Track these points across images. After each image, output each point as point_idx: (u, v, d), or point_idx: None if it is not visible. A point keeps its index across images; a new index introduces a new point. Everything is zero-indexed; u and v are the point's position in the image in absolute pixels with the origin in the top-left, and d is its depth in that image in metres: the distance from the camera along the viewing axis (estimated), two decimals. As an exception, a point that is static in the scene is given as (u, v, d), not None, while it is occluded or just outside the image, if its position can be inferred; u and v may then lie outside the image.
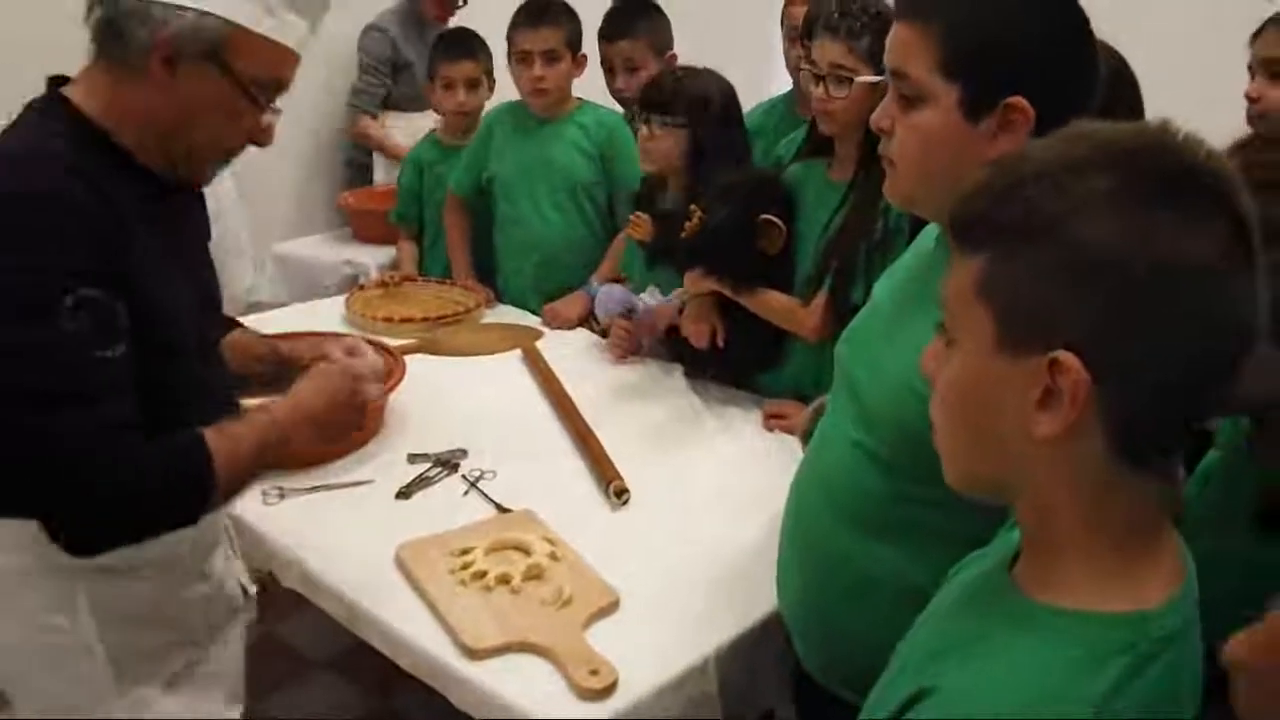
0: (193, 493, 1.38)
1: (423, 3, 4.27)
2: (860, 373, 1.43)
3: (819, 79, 2.14)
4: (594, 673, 1.52)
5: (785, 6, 3.10)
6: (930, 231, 1.48)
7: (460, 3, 4.28)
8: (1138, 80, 1.74)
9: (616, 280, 2.87)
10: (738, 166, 2.53)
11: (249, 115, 1.46)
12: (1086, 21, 1.28)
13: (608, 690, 1.51)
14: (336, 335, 2.03)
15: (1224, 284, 0.79)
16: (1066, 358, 0.78)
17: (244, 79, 1.42)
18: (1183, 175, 0.80)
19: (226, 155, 1.52)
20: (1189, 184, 0.79)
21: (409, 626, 1.65)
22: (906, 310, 1.40)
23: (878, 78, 2.09)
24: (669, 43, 3.07)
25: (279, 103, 1.50)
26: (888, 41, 1.32)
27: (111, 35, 1.39)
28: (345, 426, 1.63)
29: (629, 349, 2.68)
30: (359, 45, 4.24)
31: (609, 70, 3.07)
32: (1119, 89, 1.64)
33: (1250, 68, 1.94)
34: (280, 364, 1.80)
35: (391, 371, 2.30)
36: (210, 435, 1.39)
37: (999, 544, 1.03)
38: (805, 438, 1.76)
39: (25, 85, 1.48)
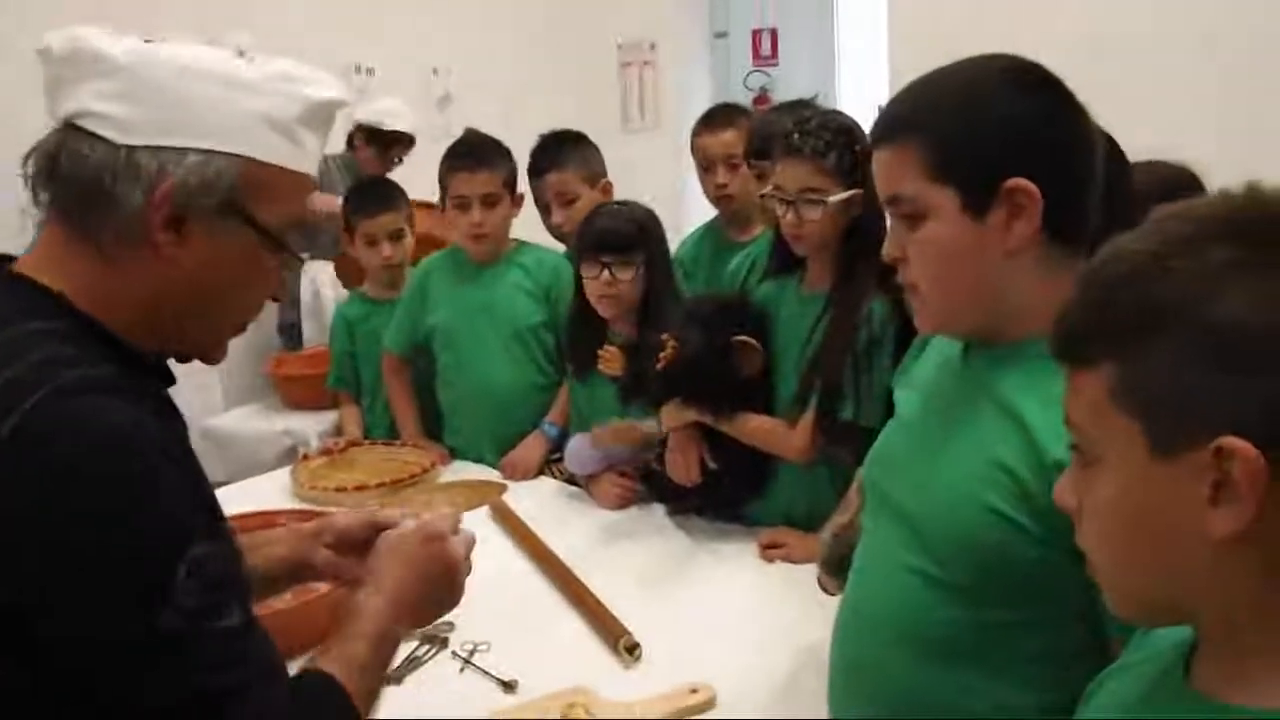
0: None
1: (360, 155, 4.20)
2: (905, 496, 1.33)
3: (788, 203, 2.08)
4: None
5: (693, 139, 3.09)
6: (948, 343, 1.40)
7: (397, 161, 4.21)
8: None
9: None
10: (676, 294, 2.51)
11: (276, 270, 1.18)
12: (1063, 88, 1.25)
13: None
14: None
15: None
16: (1233, 442, 0.72)
17: (271, 226, 1.13)
18: None
19: (247, 324, 1.23)
20: None
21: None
22: (943, 426, 1.32)
23: (850, 192, 2.04)
24: (601, 171, 3.00)
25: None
26: (874, 174, 1.30)
27: (90, 200, 1.07)
28: (443, 597, 1.33)
29: (629, 501, 2.54)
30: None
31: (543, 207, 2.99)
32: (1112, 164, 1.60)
33: None
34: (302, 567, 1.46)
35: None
36: (338, 670, 1.14)
37: (1144, 653, 0.94)
38: (831, 565, 1.64)
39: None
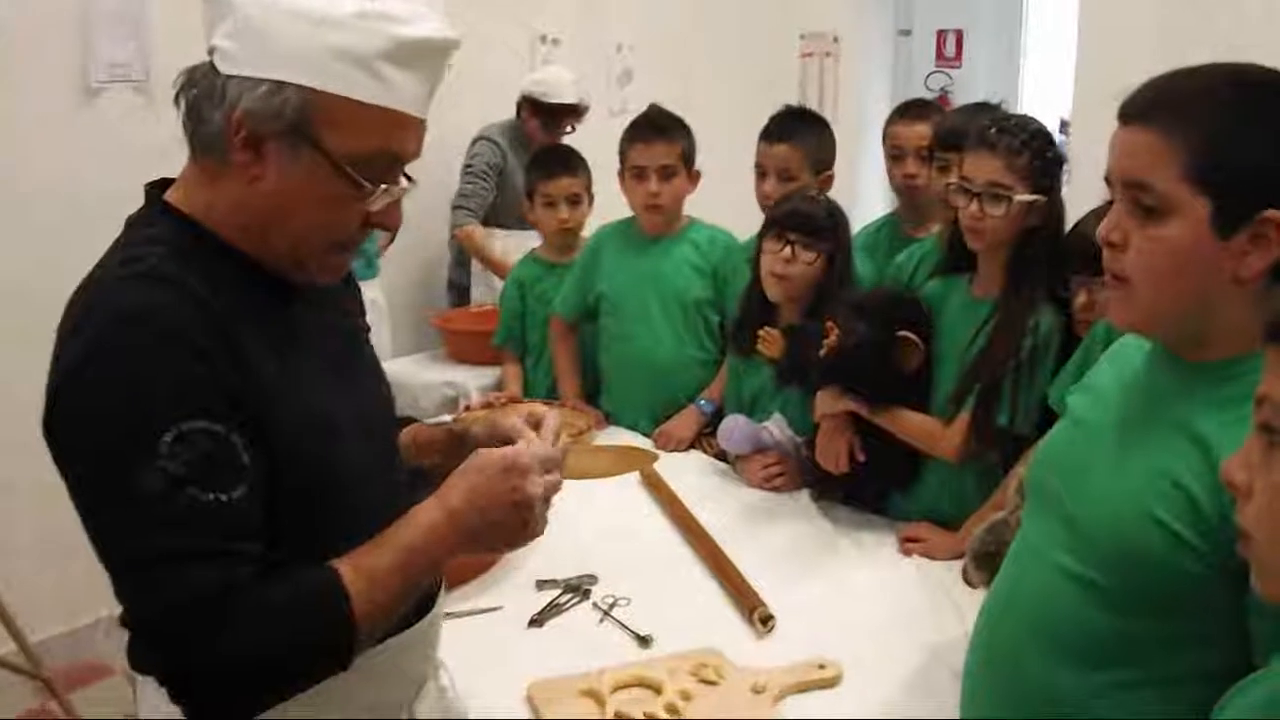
0: (331, 647, 1.20)
1: (528, 126, 4.32)
2: (1071, 499, 1.33)
3: (972, 195, 2.08)
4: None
5: (886, 127, 3.09)
6: (1129, 350, 1.40)
7: (569, 129, 4.30)
8: None
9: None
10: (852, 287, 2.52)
11: (356, 198, 1.24)
12: None
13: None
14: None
15: None
16: None
17: (340, 155, 1.21)
18: None
19: (341, 247, 1.30)
20: None
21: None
22: (1120, 435, 1.31)
23: (1035, 196, 2.05)
24: (829, 161, 2.93)
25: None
26: (1116, 145, 1.24)
27: (194, 121, 1.23)
28: (508, 532, 1.30)
29: (776, 484, 2.56)
30: (469, 152, 4.29)
31: (760, 173, 2.92)
32: None
33: None
34: (455, 450, 1.50)
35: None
36: (347, 573, 1.21)
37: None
38: (981, 559, 1.67)
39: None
